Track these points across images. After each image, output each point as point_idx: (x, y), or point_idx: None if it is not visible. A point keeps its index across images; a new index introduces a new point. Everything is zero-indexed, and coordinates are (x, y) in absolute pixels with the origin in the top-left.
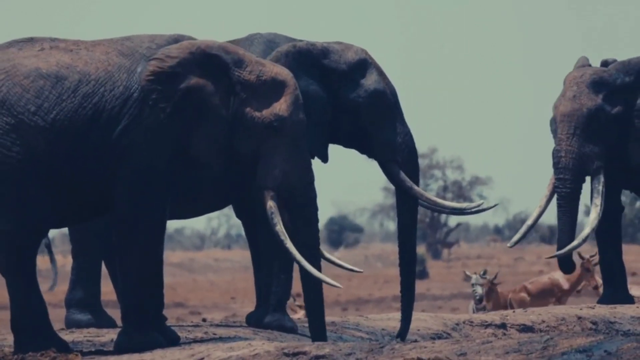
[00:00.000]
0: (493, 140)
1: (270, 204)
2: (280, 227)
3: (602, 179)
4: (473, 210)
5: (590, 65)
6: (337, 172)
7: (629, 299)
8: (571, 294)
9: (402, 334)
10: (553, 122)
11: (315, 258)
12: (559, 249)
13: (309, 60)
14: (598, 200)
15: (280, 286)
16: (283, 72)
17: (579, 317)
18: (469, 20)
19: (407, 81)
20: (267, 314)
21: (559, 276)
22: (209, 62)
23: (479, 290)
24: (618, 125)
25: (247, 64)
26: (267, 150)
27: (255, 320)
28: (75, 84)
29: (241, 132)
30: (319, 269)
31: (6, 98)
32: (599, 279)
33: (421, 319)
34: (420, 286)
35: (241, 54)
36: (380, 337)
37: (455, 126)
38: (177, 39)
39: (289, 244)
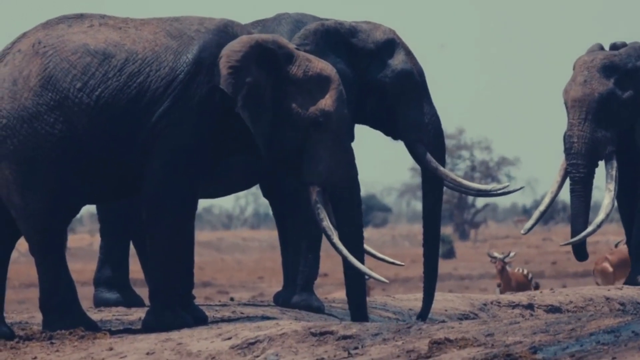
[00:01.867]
0: (520, 121)
1: (317, 200)
2: (327, 223)
3: (614, 163)
4: (499, 192)
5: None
6: (365, 151)
7: None
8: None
9: (423, 315)
10: (565, 105)
11: (360, 252)
12: (573, 234)
13: (336, 39)
14: (612, 186)
15: (307, 266)
16: (328, 68)
17: (607, 298)
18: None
19: (434, 62)
20: (294, 294)
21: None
22: (265, 56)
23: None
24: (629, 109)
25: (296, 59)
26: (312, 145)
27: (282, 300)
28: (122, 62)
29: (287, 127)
30: (362, 262)
31: (52, 74)
32: None
33: (448, 299)
34: (447, 266)
35: (291, 49)
36: (408, 317)
37: (483, 107)
38: (226, 24)
39: (336, 240)
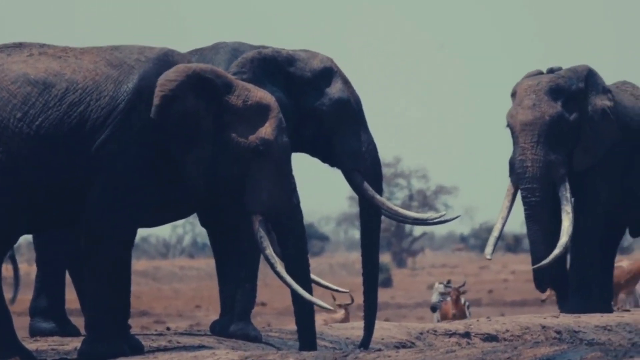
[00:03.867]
0: (458, 150)
1: (259, 229)
2: (270, 251)
3: (567, 185)
4: (436, 220)
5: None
6: (302, 180)
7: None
8: (634, 285)
9: (364, 343)
10: (510, 131)
11: (306, 280)
12: (536, 259)
13: (274, 67)
14: (568, 208)
15: (244, 295)
16: (267, 97)
17: (543, 327)
18: (430, 29)
19: (371, 90)
20: (231, 323)
21: (625, 265)
22: (203, 86)
23: (434, 297)
24: (574, 132)
25: (235, 89)
26: (254, 174)
27: (219, 329)
28: (62, 91)
29: (228, 156)
30: (309, 290)
31: None
32: None
33: (385, 328)
34: (384, 295)
35: (230, 78)
36: (344, 346)
37: (420, 135)
38: (166, 53)
39: (279, 268)
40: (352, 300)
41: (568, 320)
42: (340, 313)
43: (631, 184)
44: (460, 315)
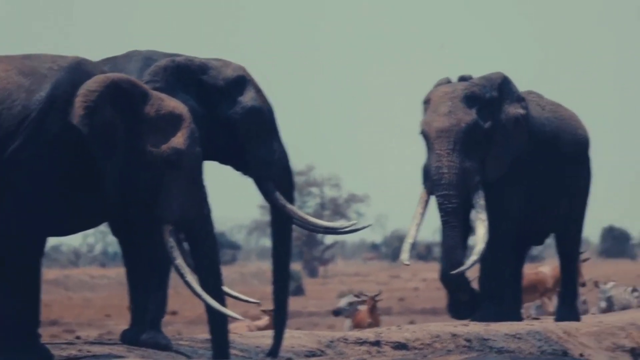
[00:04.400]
0: (369, 158)
1: (169, 238)
2: (180, 261)
3: (482, 193)
4: (347, 230)
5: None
6: (214, 188)
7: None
8: (555, 291)
9: (273, 352)
10: (423, 138)
11: (218, 289)
12: (452, 265)
13: (187, 76)
14: (483, 215)
15: (155, 304)
16: (179, 107)
17: (453, 334)
18: (346, 41)
19: (284, 99)
20: (142, 332)
21: (547, 271)
22: (120, 96)
23: (342, 303)
24: (487, 140)
25: (150, 98)
26: (165, 184)
27: (130, 338)
28: None
29: (140, 166)
30: (222, 299)
31: None
32: (584, 277)
33: (296, 337)
34: (296, 303)
35: (145, 88)
36: (254, 355)
37: (332, 144)
38: (79, 62)
39: (190, 278)
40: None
41: (478, 328)
42: (264, 319)
43: (536, 193)
44: (376, 323)
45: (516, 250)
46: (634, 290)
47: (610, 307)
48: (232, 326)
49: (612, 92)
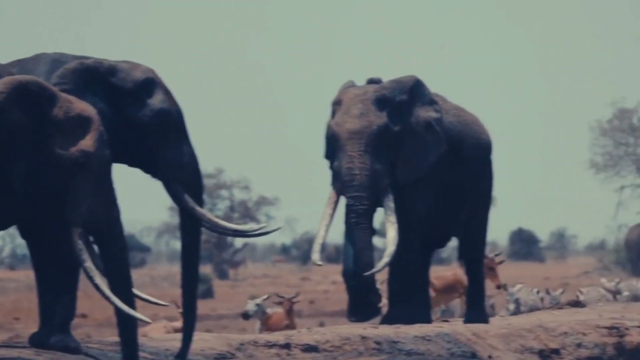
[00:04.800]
0: (279, 161)
1: (78, 241)
2: (89, 264)
3: (391, 196)
4: (256, 232)
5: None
6: (123, 190)
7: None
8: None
9: (182, 354)
10: (332, 139)
11: (127, 292)
12: (363, 267)
13: (95, 78)
14: (393, 218)
15: (64, 306)
16: (88, 109)
17: (363, 337)
18: (251, 42)
19: (194, 101)
20: (51, 335)
21: (461, 272)
22: (27, 98)
23: (250, 306)
24: (397, 143)
25: (58, 101)
26: (73, 186)
27: (39, 341)
28: None
29: (48, 168)
30: (132, 302)
31: None
32: (501, 279)
33: (205, 339)
34: (205, 306)
35: (54, 91)
36: (164, 358)
37: (242, 147)
38: None
39: (99, 281)
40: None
41: (387, 330)
42: (181, 321)
43: (441, 197)
44: (292, 326)
45: (424, 254)
46: (540, 292)
47: (518, 309)
48: (148, 328)
49: (516, 95)
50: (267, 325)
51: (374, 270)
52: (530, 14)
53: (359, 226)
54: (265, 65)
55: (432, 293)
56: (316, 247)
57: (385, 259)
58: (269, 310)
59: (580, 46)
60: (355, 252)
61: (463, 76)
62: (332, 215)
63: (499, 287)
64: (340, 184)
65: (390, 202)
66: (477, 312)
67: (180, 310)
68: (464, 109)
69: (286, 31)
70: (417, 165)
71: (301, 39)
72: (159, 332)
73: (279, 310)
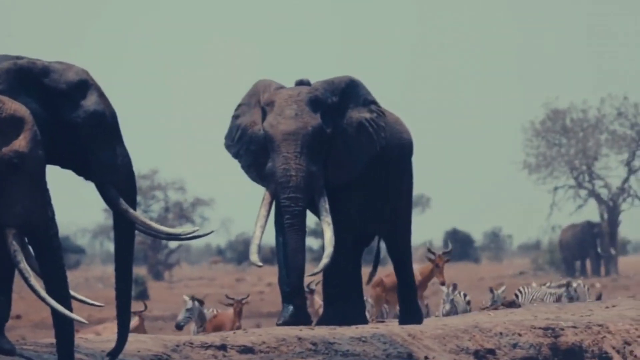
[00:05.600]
0: (214, 161)
1: (13, 242)
2: (23, 265)
3: (326, 197)
4: (189, 236)
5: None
6: (57, 192)
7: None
8: (424, 288)
9: (113, 353)
10: (266, 140)
11: (64, 293)
12: (298, 268)
13: (29, 78)
14: (328, 219)
15: None
16: (21, 109)
17: (299, 338)
18: (186, 41)
19: (128, 101)
20: None
21: (415, 270)
22: None
23: (181, 315)
24: (328, 145)
25: None
26: (7, 187)
27: None
28: None
29: None
30: (69, 303)
31: None
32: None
33: (141, 340)
34: (140, 307)
35: None
36: (100, 359)
37: (177, 147)
38: None
39: (33, 281)
40: (145, 307)
41: (323, 331)
42: (134, 320)
43: (366, 197)
44: (240, 327)
45: (355, 254)
46: (467, 296)
47: (453, 310)
48: (101, 326)
49: (450, 94)
50: (213, 324)
51: (314, 272)
52: (463, 13)
53: (292, 228)
54: (198, 63)
55: (381, 292)
56: (253, 249)
57: (325, 260)
58: (209, 311)
59: (512, 46)
60: (288, 255)
61: (397, 75)
62: (267, 216)
63: (443, 283)
64: (275, 185)
65: (325, 204)
66: (411, 312)
67: (133, 310)
68: (383, 109)
69: (222, 28)
70: (349, 167)
71: (237, 36)
72: (112, 331)
73: (229, 311)
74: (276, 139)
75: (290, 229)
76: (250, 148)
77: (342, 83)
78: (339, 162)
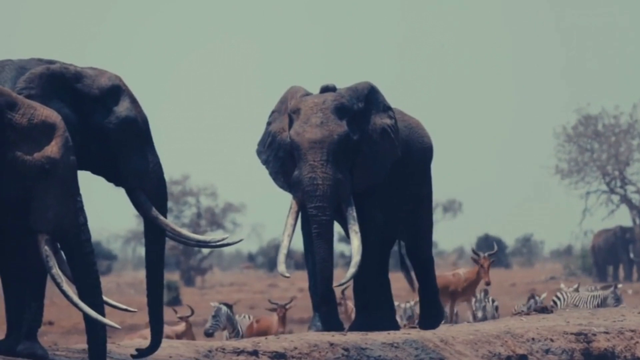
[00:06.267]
0: (245, 167)
1: (45, 248)
2: (56, 270)
3: (353, 205)
4: (218, 244)
5: (311, 94)
6: (89, 197)
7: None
8: (471, 293)
9: (143, 353)
10: (292, 149)
11: (96, 298)
12: (326, 278)
13: (62, 83)
14: (356, 227)
15: (31, 314)
16: (53, 115)
17: (331, 344)
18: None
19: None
20: (18, 342)
21: (462, 273)
22: None
23: (208, 324)
24: (355, 151)
25: (20, 107)
26: (39, 193)
27: (6, 349)
28: None
29: (12, 175)
30: (101, 308)
31: None
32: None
33: (173, 346)
34: (173, 313)
35: (14, 97)
36: None
37: (209, 153)
38: None
39: (66, 287)
40: (192, 312)
41: (355, 337)
42: (182, 325)
43: (390, 201)
44: (285, 332)
45: (383, 260)
46: (495, 301)
47: (485, 315)
48: (147, 331)
49: (482, 100)
50: (256, 329)
51: (343, 281)
52: (498, 19)
53: (320, 237)
54: (230, 70)
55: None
56: (281, 258)
57: (352, 269)
58: (240, 317)
59: (545, 53)
60: (318, 264)
61: (429, 81)
62: (294, 225)
63: (488, 283)
64: (302, 193)
65: (353, 212)
66: (430, 315)
67: (180, 315)
68: (405, 112)
69: (254, 36)
70: (375, 172)
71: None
72: None
73: (273, 316)
74: (302, 147)
75: (318, 238)
76: (278, 155)
77: (364, 89)
78: (366, 168)
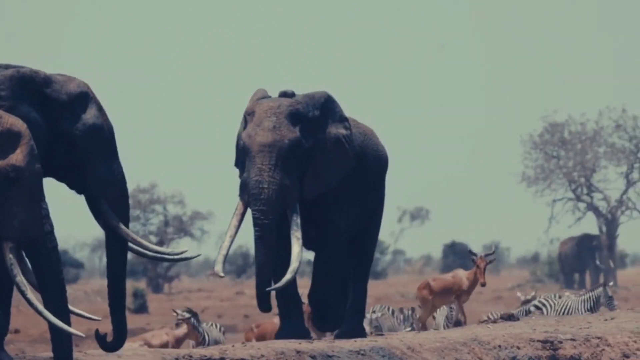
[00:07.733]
0: (213, 175)
1: (10, 256)
2: (20, 278)
3: (298, 211)
4: (176, 257)
5: (269, 97)
6: (56, 205)
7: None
8: (470, 292)
9: (106, 347)
10: (242, 151)
11: (62, 306)
12: (262, 282)
13: (31, 87)
14: (298, 234)
15: None
16: (18, 123)
17: (298, 352)
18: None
19: (127, 115)
20: None
21: (462, 274)
22: None
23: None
24: (307, 159)
25: None
26: (4, 201)
27: None
28: None
29: None
30: (67, 316)
31: None
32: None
33: (140, 354)
34: (140, 320)
35: None
36: None
37: (176, 161)
38: None
39: (30, 295)
40: (194, 313)
41: (322, 345)
42: (183, 328)
43: (355, 210)
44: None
45: (349, 265)
46: (395, 312)
47: (379, 330)
48: (149, 334)
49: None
50: (256, 334)
51: (277, 286)
52: (467, 26)
53: (261, 240)
54: (197, 77)
55: (428, 295)
56: (219, 258)
57: (288, 275)
58: (208, 325)
59: (512, 60)
60: (255, 267)
61: (395, 87)
62: (237, 227)
63: (483, 284)
64: (247, 195)
65: (296, 218)
66: (356, 321)
67: (181, 318)
68: (359, 121)
69: (222, 42)
70: (325, 180)
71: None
72: (160, 339)
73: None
74: (252, 149)
75: (258, 241)
76: (240, 158)
77: (321, 98)
78: (316, 175)
